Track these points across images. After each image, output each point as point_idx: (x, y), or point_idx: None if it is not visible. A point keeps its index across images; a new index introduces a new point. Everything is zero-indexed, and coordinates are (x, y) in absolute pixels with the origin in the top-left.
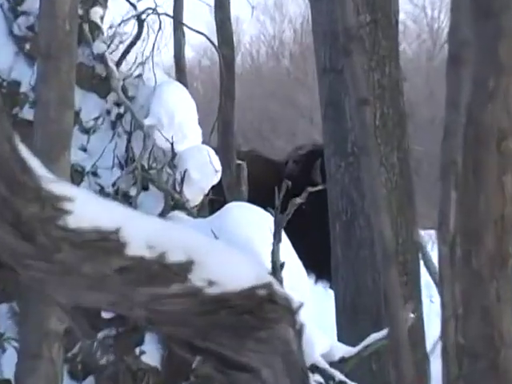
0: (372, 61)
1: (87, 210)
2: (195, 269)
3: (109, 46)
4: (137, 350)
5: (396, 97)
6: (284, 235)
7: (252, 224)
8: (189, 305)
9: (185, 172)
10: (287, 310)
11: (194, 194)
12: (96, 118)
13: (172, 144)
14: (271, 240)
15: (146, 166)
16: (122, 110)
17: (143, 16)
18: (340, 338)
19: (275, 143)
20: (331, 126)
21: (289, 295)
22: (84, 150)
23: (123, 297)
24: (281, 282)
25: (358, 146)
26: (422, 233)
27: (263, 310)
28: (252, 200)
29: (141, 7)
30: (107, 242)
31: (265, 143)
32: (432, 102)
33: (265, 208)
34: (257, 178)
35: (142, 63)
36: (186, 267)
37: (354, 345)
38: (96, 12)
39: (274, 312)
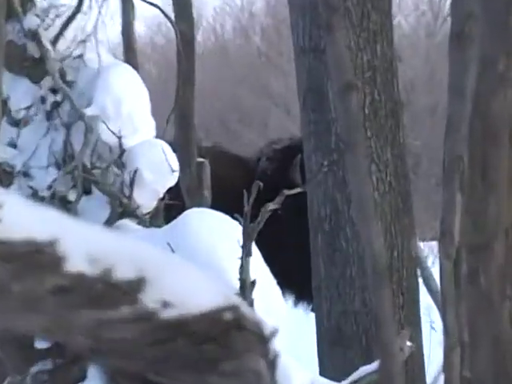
0: (360, 38)
1: (17, 217)
2: (147, 288)
3: (43, 21)
4: None
5: (389, 81)
6: (255, 248)
7: (216, 234)
8: (140, 331)
9: (135, 172)
10: (258, 338)
11: (147, 199)
12: (28, 108)
13: (120, 138)
14: (239, 254)
15: (89, 165)
16: (59, 97)
17: None
18: (322, 371)
19: (244, 137)
20: (311, 116)
21: (260, 319)
22: (13, 145)
23: (61, 322)
24: (251, 303)
25: (343, 140)
26: (421, 245)
27: (229, 337)
28: (216, 206)
29: None
30: (41, 256)
31: (232, 137)
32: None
33: (232, 215)
34: (222, 179)
35: (84, 41)
36: (136, 286)
37: (339, 379)
38: None
39: (242, 340)
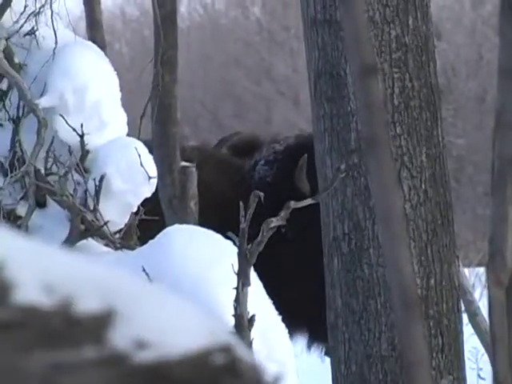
0: (387, 8)
1: None
2: (117, 323)
3: None
4: None
5: (424, 63)
6: (254, 275)
7: (205, 258)
8: (107, 378)
9: (102, 179)
10: None
11: (116, 213)
12: None
13: (82, 136)
14: (234, 282)
15: (43, 171)
16: (4, 85)
17: None
18: None
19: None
20: (325, 107)
21: (260, 364)
22: None
23: (8, 366)
24: (249, 344)
25: (364, 137)
26: (466, 271)
27: None
28: (205, 221)
29: None
30: None
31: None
32: (479, 70)
33: (224, 234)
34: (212, 189)
35: (36, 14)
36: (102, 321)
37: None
38: None
39: None
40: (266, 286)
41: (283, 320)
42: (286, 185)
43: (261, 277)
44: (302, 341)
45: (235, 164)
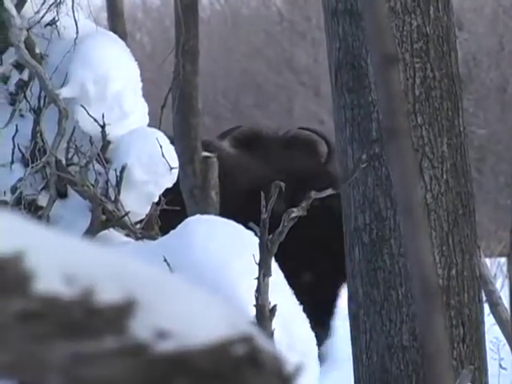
0: None
1: None
2: (138, 313)
3: None
4: None
5: (446, 53)
6: (275, 266)
7: (226, 248)
8: (129, 368)
9: (123, 169)
10: (278, 377)
11: (138, 203)
12: None
13: (103, 127)
14: (255, 273)
15: (64, 161)
16: (25, 75)
17: None
18: None
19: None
20: (346, 98)
21: (281, 354)
22: None
23: (28, 357)
24: (270, 334)
25: (384, 127)
26: (487, 261)
27: (240, 376)
28: (226, 212)
29: None
30: (4, 274)
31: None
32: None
33: (245, 224)
34: (234, 180)
35: (57, 4)
36: (123, 311)
37: None
38: None
39: (258, 379)
40: (288, 277)
41: (306, 312)
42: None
43: (283, 268)
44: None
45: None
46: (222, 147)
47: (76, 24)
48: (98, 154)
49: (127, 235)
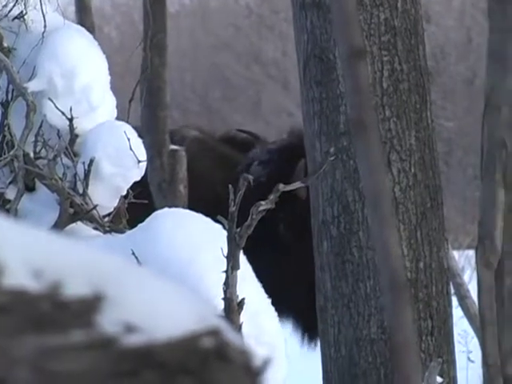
0: None
1: None
2: (105, 307)
3: None
4: None
5: (413, 46)
6: (244, 259)
7: (194, 241)
8: (96, 362)
9: (91, 163)
10: (246, 370)
11: (106, 197)
12: None
13: (71, 120)
14: (223, 266)
15: (32, 155)
16: None
17: None
18: None
19: (231, 118)
20: (314, 91)
21: (249, 348)
22: None
23: None
24: (238, 328)
25: (352, 120)
26: (455, 254)
27: (208, 369)
28: (195, 205)
29: None
30: None
31: (215, 118)
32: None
33: (213, 218)
34: (205, 184)
35: None
36: (91, 305)
37: None
38: None
39: (226, 373)
40: (256, 270)
41: (274, 305)
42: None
43: (252, 261)
44: (291, 326)
45: (234, 161)
46: (189, 134)
47: (44, 17)
48: (66, 148)
49: (95, 228)
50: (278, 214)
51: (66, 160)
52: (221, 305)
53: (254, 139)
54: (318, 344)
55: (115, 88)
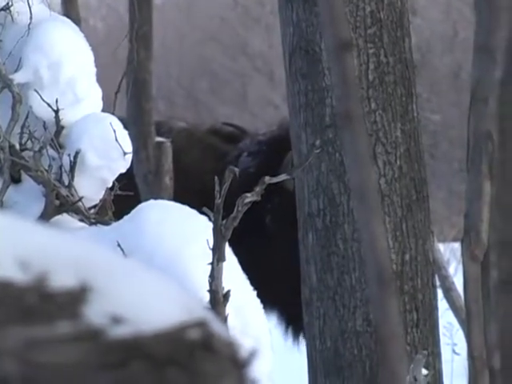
0: None
1: None
2: (93, 299)
3: None
4: None
5: (399, 39)
6: (229, 252)
7: (180, 233)
8: (83, 353)
9: (76, 154)
10: (232, 361)
11: (91, 188)
12: None
13: (57, 112)
14: (209, 258)
15: (18, 146)
16: None
17: None
18: None
19: (217, 110)
20: (300, 83)
21: (235, 339)
22: None
23: None
24: (223, 320)
25: (338, 113)
26: (441, 247)
27: (195, 360)
28: (180, 198)
29: None
30: None
31: (201, 110)
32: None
33: (199, 210)
34: (193, 175)
35: None
36: (77, 296)
37: None
38: None
39: (212, 364)
40: (242, 263)
41: (260, 297)
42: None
43: (237, 253)
44: (276, 321)
45: (222, 152)
46: (176, 125)
47: (30, 9)
48: (52, 139)
49: (81, 220)
50: (265, 206)
51: (51, 152)
52: (206, 297)
53: (240, 133)
54: (302, 337)
55: (101, 80)
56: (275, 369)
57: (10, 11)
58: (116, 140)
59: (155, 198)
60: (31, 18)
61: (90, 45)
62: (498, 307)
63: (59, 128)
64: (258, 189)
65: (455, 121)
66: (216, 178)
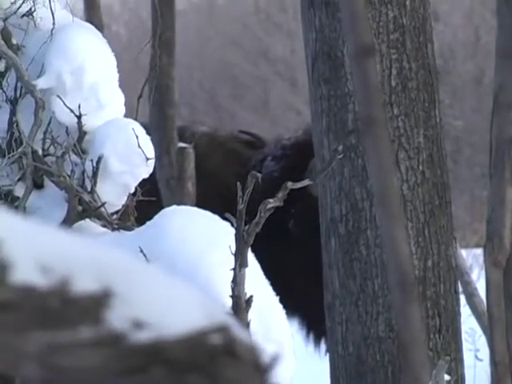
0: None
1: None
2: (115, 304)
3: None
4: None
5: (422, 44)
6: (252, 257)
7: (202, 239)
8: (105, 358)
9: (99, 160)
10: (254, 367)
11: (114, 194)
12: None
13: (79, 117)
14: (232, 264)
15: (40, 152)
16: (1, 66)
17: None
18: None
19: (239, 116)
20: (322, 89)
21: (257, 345)
22: None
23: (4, 346)
24: (246, 325)
25: (361, 118)
26: (463, 252)
27: (217, 365)
28: (203, 203)
29: None
30: None
31: (223, 115)
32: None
33: (221, 216)
34: (216, 179)
35: None
36: (99, 301)
37: None
38: None
39: (234, 369)
40: (265, 269)
41: (282, 303)
42: (294, 181)
43: (260, 260)
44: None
45: (244, 156)
46: (199, 130)
47: (52, 15)
48: (75, 145)
49: (103, 226)
50: (289, 211)
51: (74, 157)
52: (229, 302)
53: (257, 141)
54: (324, 342)
55: (123, 85)
56: (297, 374)
57: (33, 17)
58: (138, 146)
59: (178, 204)
60: (54, 23)
61: (113, 50)
62: None
63: (82, 133)
64: (280, 194)
65: (477, 126)
66: (238, 183)
